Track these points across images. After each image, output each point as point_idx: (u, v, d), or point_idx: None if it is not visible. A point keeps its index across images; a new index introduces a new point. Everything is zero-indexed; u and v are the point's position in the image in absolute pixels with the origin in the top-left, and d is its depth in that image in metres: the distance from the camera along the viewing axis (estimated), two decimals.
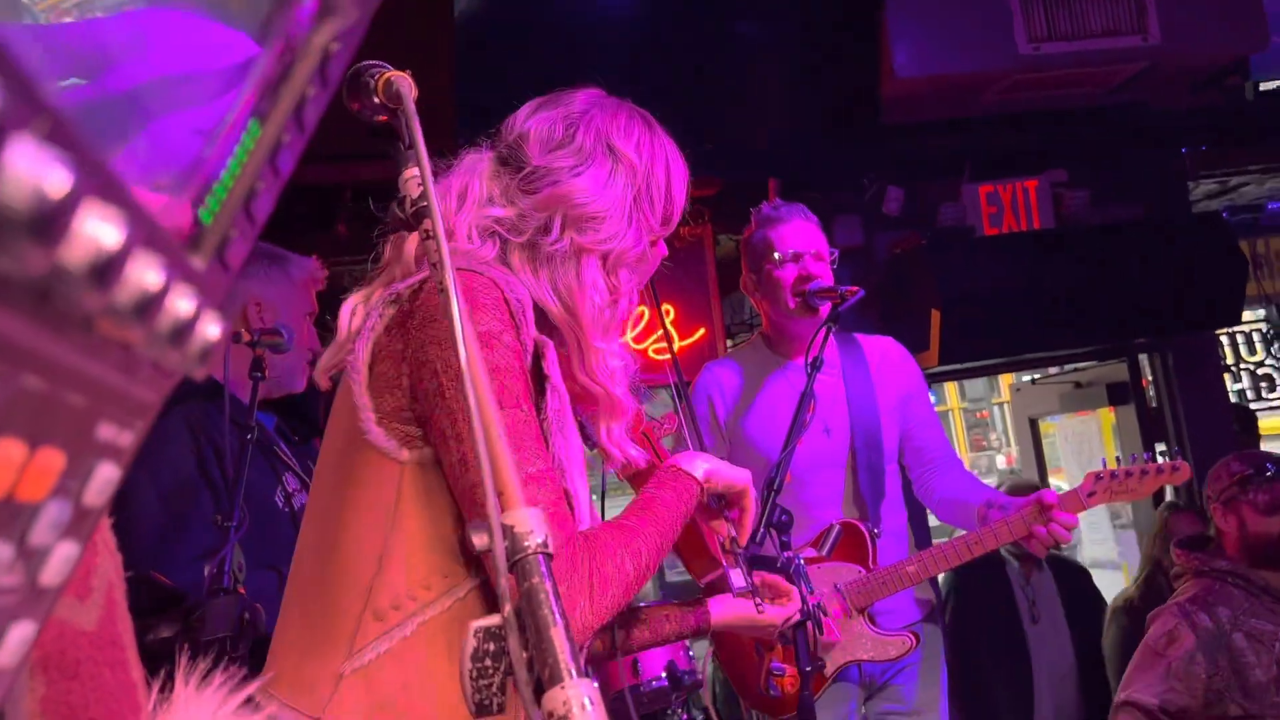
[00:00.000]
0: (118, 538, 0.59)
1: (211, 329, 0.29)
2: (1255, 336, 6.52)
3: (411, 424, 1.24)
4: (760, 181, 4.33)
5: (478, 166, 1.43)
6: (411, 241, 1.33)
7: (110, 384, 0.29)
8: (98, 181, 0.26)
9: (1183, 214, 4.93)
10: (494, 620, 0.74)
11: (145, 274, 0.27)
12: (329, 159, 3.96)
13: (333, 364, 1.34)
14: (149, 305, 0.28)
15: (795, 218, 2.86)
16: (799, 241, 2.81)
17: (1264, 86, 4.56)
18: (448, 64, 3.69)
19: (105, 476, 0.30)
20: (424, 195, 0.86)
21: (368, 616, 1.22)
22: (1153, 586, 4.03)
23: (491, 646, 0.74)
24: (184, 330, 0.29)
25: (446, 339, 1.21)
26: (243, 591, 1.85)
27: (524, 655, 0.73)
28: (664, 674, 2.96)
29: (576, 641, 1.11)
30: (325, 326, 2.41)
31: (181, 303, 0.29)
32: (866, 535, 2.70)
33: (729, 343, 4.97)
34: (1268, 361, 6.48)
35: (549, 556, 0.75)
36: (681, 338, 4.89)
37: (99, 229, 0.26)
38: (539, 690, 0.72)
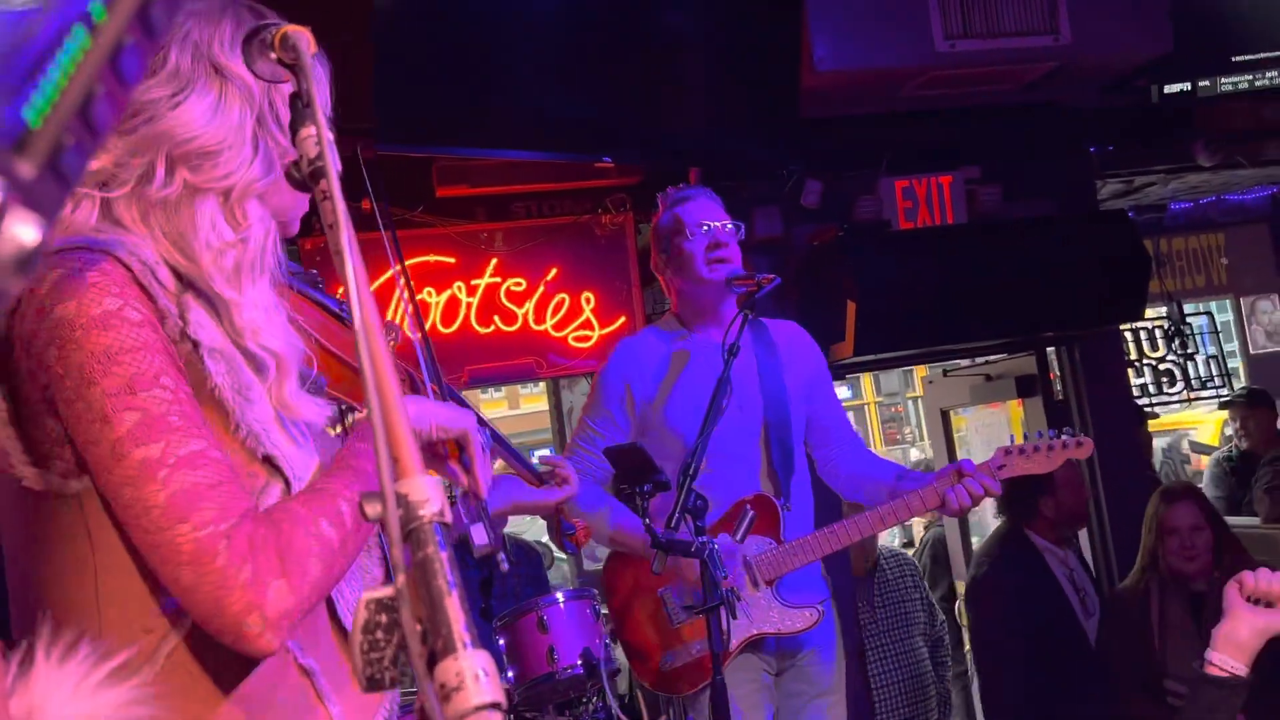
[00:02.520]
0: None
1: (26, 231, 0.26)
2: (1158, 333, 6.73)
3: (64, 445, 1.09)
4: (681, 171, 4.33)
5: None
6: None
7: None
8: None
9: (1090, 211, 5.05)
10: (386, 591, 0.72)
11: None
12: None
13: None
14: None
15: (702, 196, 2.93)
16: (707, 215, 2.86)
17: (1169, 89, 4.69)
18: (366, 49, 3.61)
19: None
20: (320, 155, 0.83)
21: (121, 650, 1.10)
22: (1147, 575, 3.68)
23: (383, 618, 0.72)
24: None
25: (65, 339, 1.07)
26: None
27: (417, 627, 0.71)
28: (580, 662, 2.95)
29: (285, 624, 1.05)
30: None
31: None
32: (778, 509, 2.73)
33: None
34: (1169, 358, 6.69)
35: (446, 526, 0.73)
36: (602, 325, 4.88)
37: None
38: (432, 662, 0.70)
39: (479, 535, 1.53)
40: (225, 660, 1.11)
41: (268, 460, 1.21)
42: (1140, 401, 6.37)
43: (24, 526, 1.15)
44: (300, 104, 0.85)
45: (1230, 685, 2.06)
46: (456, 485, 1.44)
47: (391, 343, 1.51)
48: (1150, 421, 6.58)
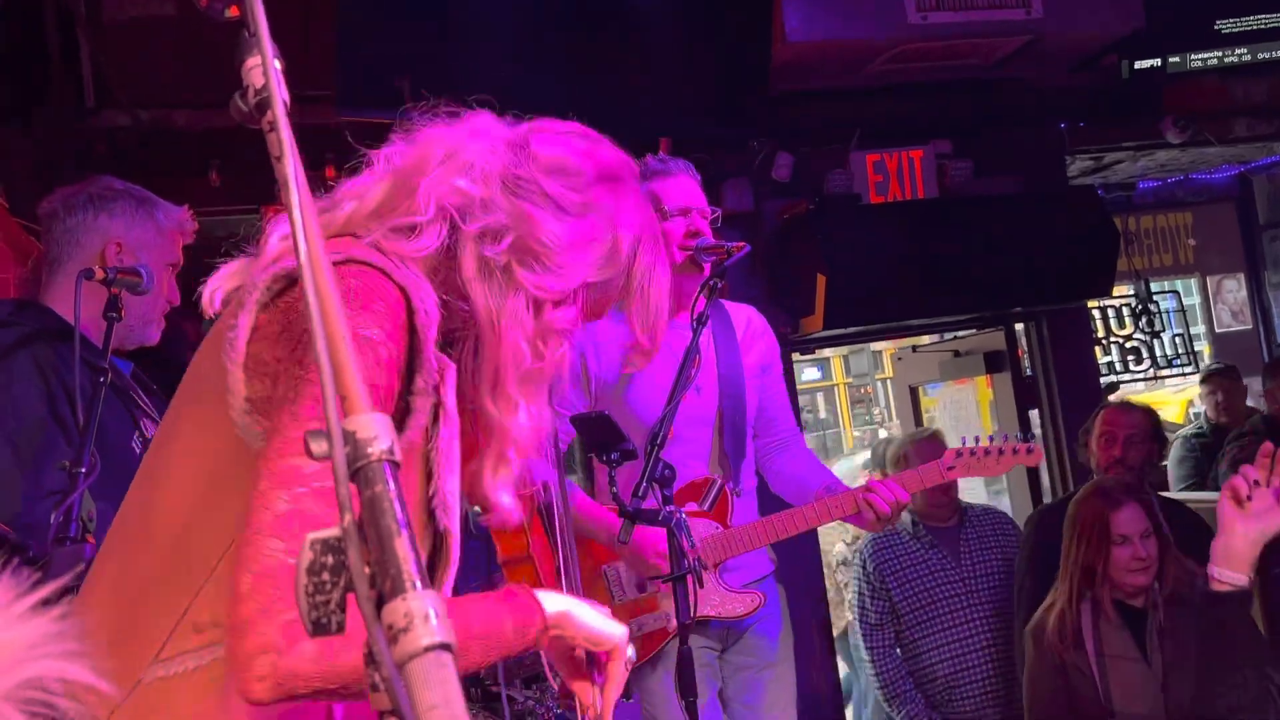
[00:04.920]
0: None
1: None
2: (1125, 311, 6.77)
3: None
4: (651, 143, 4.29)
5: (485, 132, 1.27)
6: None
7: None
8: None
9: (1059, 188, 5.07)
10: (332, 532, 0.69)
11: None
12: (200, 105, 3.79)
13: (228, 292, 1.20)
14: None
15: (682, 173, 2.83)
16: (687, 197, 2.79)
17: (1139, 65, 4.70)
18: (328, 14, 3.55)
19: None
20: (266, 86, 0.79)
21: (186, 625, 1.10)
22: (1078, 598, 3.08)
23: (329, 560, 0.69)
24: None
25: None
26: (92, 540, 1.75)
27: (365, 569, 0.69)
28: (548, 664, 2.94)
29: (287, 686, 0.98)
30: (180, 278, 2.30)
31: None
32: (728, 493, 2.72)
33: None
34: (1136, 335, 6.74)
35: (395, 465, 0.70)
36: None
37: None
38: (380, 604, 0.67)
39: None
40: None
41: (438, 535, 1.20)
42: (1106, 379, 6.42)
43: (208, 458, 1.15)
44: (246, 33, 0.81)
45: (1237, 597, 2.10)
46: (584, 701, 1.38)
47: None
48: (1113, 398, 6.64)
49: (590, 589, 2.74)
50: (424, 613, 0.65)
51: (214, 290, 1.22)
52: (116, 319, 2.01)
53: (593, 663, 1.37)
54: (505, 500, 1.29)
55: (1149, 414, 3.89)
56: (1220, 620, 2.15)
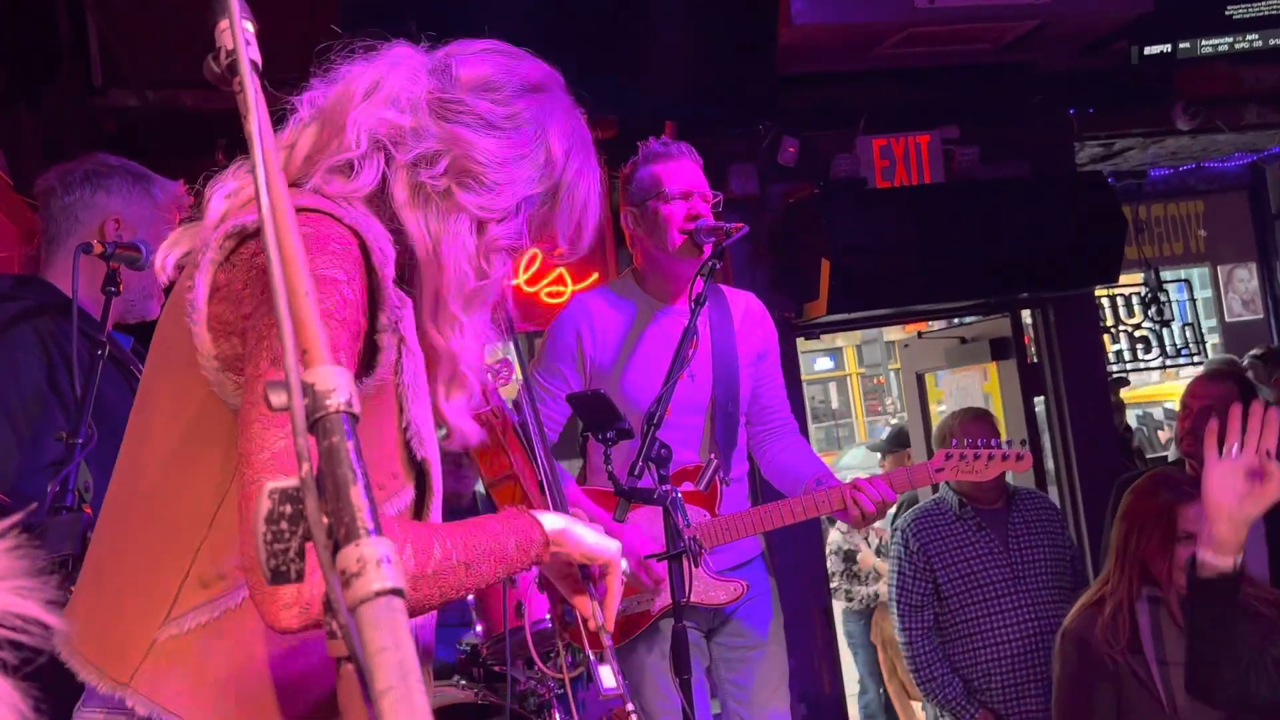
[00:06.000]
0: None
1: None
2: (1134, 300, 6.74)
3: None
4: (657, 126, 4.30)
5: (403, 61, 1.28)
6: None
7: None
8: None
9: (1067, 173, 5.05)
10: (290, 482, 0.70)
11: None
12: (208, 85, 3.80)
13: (179, 257, 1.22)
14: None
15: (684, 157, 2.83)
16: (689, 180, 2.79)
17: (1149, 51, 4.68)
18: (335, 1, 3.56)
19: None
20: (235, 49, 0.81)
21: (192, 582, 1.12)
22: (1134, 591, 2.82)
23: (288, 509, 0.70)
24: None
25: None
26: (89, 511, 1.77)
27: (323, 519, 0.70)
28: (548, 616, 2.95)
29: (315, 610, 1.00)
30: None
31: None
32: (718, 481, 2.73)
33: None
34: (1144, 324, 6.71)
35: (353, 417, 0.71)
36: (575, 282, 4.86)
37: None
38: (335, 551, 0.68)
39: (605, 678, 1.50)
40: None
41: (417, 464, 1.23)
42: (1115, 368, 6.40)
43: (187, 416, 1.16)
44: None
45: (1225, 582, 2.08)
46: (584, 612, 1.45)
47: (501, 384, 1.56)
48: (1126, 391, 6.63)
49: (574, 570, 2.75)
50: (376, 558, 0.66)
51: (165, 257, 1.24)
52: (115, 293, 2.02)
53: (589, 578, 1.44)
54: (463, 423, 1.32)
55: (1235, 382, 3.52)
56: (1210, 602, 2.14)
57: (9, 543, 0.62)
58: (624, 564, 1.40)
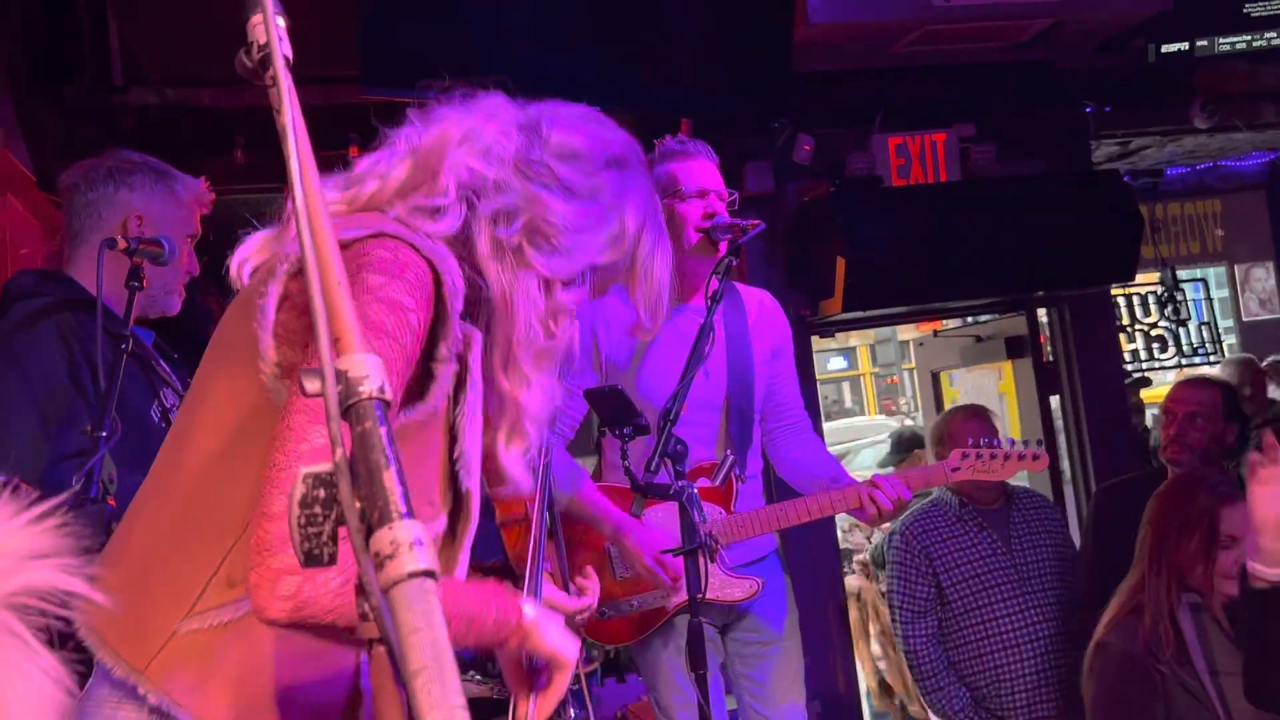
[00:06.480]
0: None
1: None
2: (1151, 299, 6.72)
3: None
4: (671, 124, 4.30)
5: (500, 114, 1.32)
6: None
7: None
8: None
9: (1084, 172, 5.03)
10: (324, 466, 0.72)
11: None
12: (227, 83, 3.84)
13: (257, 262, 1.24)
14: None
15: (701, 155, 2.84)
16: (705, 179, 2.80)
17: (1166, 49, 4.66)
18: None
19: None
20: (269, 43, 0.82)
21: (220, 580, 1.15)
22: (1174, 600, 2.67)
23: (322, 493, 0.72)
24: None
25: (366, 295, 1.11)
26: (112, 503, 1.79)
27: (355, 503, 0.71)
28: None
29: (305, 612, 1.01)
30: (206, 252, 2.34)
31: None
32: (734, 479, 2.74)
33: None
34: (1161, 323, 6.69)
35: (385, 403, 0.73)
36: None
37: None
38: (369, 535, 0.70)
39: None
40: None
41: (458, 495, 1.26)
42: (1130, 367, 6.37)
43: (239, 418, 1.19)
44: None
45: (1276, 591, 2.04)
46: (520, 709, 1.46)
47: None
48: (1145, 391, 6.60)
49: (593, 563, 2.77)
50: (409, 540, 0.67)
51: (242, 262, 1.27)
52: (138, 289, 2.05)
53: (534, 670, 1.45)
54: (518, 472, 1.35)
55: (1220, 389, 3.50)
56: (1263, 612, 2.10)
57: (54, 521, 0.64)
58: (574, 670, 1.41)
